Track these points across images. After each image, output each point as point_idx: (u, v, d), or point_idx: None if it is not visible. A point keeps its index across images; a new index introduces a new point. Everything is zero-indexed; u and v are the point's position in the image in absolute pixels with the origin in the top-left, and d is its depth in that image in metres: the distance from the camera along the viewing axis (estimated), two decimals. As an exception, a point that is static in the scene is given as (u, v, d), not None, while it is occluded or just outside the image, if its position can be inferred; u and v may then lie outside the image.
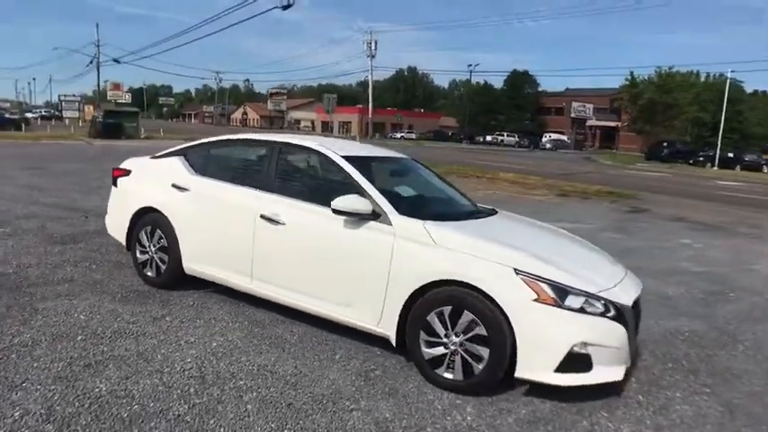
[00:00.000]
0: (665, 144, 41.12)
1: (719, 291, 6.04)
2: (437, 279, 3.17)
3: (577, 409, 3.10)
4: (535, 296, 2.95)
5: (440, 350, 3.19)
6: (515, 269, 3.02)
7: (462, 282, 3.09)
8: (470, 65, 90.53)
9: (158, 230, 4.45)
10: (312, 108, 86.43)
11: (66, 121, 39.75)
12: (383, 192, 3.65)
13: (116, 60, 40.99)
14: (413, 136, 67.12)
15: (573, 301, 2.98)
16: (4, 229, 6.19)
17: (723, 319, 5.06)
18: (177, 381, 3.08)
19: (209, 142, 4.70)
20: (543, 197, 14.28)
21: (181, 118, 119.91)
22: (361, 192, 3.58)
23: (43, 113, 57.29)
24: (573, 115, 61.64)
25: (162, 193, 4.46)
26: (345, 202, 3.44)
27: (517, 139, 59.31)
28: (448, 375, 3.17)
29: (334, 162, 3.83)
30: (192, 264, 4.31)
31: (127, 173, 4.86)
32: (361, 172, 3.74)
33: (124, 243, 4.83)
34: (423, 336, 3.24)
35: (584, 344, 2.95)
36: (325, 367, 3.40)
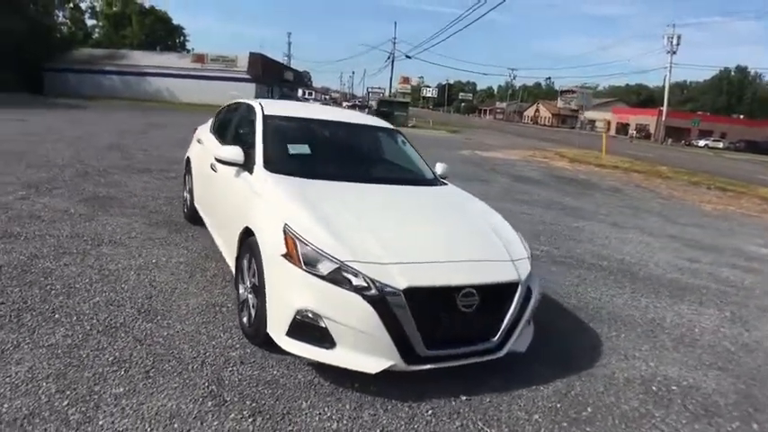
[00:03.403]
0: None
1: None
2: (247, 226, 3.28)
3: (330, 391, 2.83)
4: (284, 251, 2.83)
5: (245, 295, 3.32)
6: (285, 224, 2.93)
7: (253, 231, 3.16)
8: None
9: (189, 175, 5.53)
10: (608, 108, 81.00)
11: (366, 110, 46.95)
12: (279, 146, 3.88)
13: (407, 56, 46.49)
14: (719, 145, 56.45)
15: (324, 266, 2.73)
16: (172, 174, 8.39)
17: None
18: (86, 272, 4.02)
19: (228, 105, 5.53)
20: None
21: (477, 113, 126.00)
22: (251, 144, 3.88)
23: (356, 103, 69.02)
24: None
25: (194, 145, 5.53)
26: (222, 151, 3.80)
27: None
28: (244, 320, 3.29)
29: (255, 118, 4.17)
30: (196, 203, 5.24)
31: (196, 131, 6.11)
32: (273, 129, 4.01)
33: (187, 186, 6.12)
34: (239, 280, 3.41)
35: (316, 314, 2.69)
36: (194, 294, 3.87)
